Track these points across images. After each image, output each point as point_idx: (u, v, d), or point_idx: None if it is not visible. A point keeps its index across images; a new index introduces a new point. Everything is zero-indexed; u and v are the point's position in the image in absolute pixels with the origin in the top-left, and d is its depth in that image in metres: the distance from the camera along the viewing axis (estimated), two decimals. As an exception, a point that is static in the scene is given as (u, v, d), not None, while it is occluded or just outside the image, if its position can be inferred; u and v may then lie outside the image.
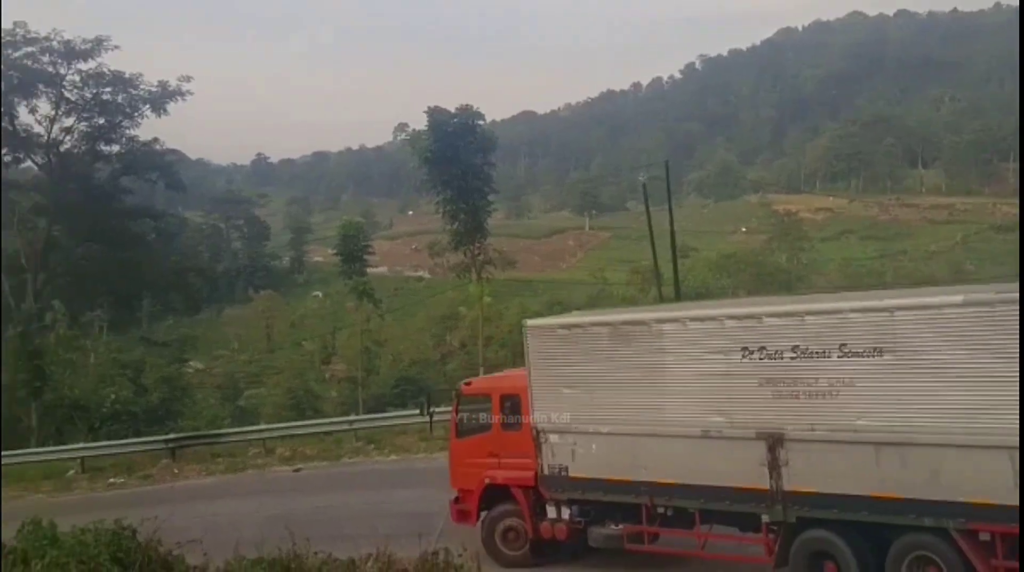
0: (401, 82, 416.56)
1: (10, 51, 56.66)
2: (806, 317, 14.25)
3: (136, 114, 60.58)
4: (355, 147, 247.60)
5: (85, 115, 60.26)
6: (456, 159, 41.58)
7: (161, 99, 60.00)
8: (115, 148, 62.54)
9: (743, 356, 14.50)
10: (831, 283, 77.95)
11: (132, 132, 61.58)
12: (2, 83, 50.40)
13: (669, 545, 15.89)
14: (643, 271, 69.08)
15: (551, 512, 16.76)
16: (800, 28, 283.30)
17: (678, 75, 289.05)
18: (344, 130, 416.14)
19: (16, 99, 58.46)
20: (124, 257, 62.43)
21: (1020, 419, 11.89)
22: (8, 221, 57.94)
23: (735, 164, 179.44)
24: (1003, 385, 12.20)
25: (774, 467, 14.12)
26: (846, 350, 13.58)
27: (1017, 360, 12.06)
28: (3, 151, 57.94)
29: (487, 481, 17.51)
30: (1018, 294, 12.30)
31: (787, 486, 13.96)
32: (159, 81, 59.94)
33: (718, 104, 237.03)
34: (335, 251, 50.74)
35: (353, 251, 46.22)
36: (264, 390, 66.84)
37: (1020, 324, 11.96)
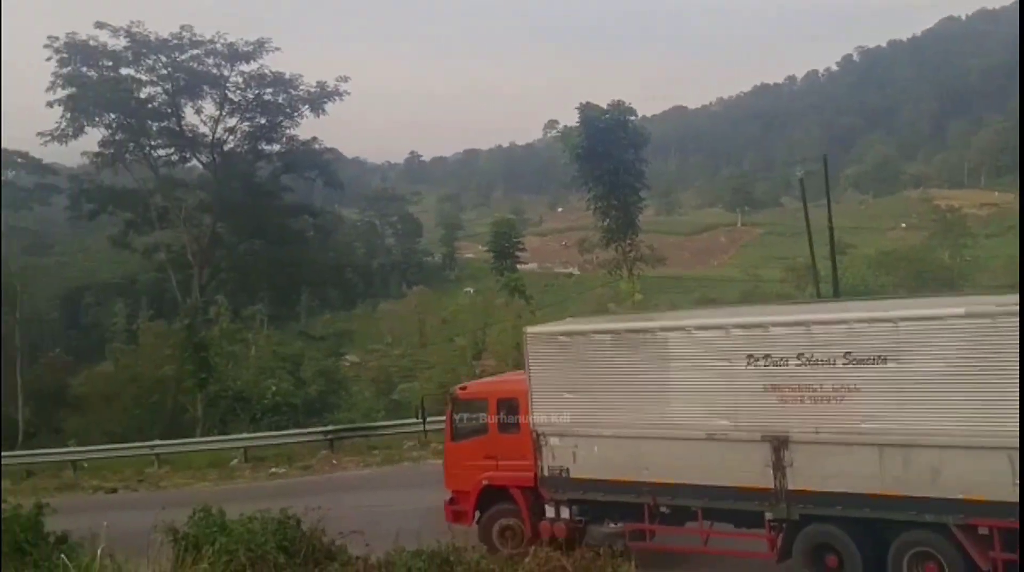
0: (552, 79, 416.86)
1: (177, 54, 59.02)
2: (812, 327, 15.02)
3: (296, 114, 62.39)
4: (505, 145, 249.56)
5: (247, 115, 62.31)
6: (607, 155, 41.26)
7: (320, 99, 61.57)
8: (276, 147, 64.66)
9: (748, 363, 15.20)
10: (996, 281, 74.64)
11: (292, 132, 63.51)
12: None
13: (670, 542, 16.31)
14: (798, 268, 67.43)
15: (550, 512, 17.26)
16: (964, 17, 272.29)
17: (835, 67, 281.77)
18: (495, 128, 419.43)
19: (183, 100, 60.90)
20: (284, 253, 64.38)
21: (1020, 420, 12.47)
22: (175, 218, 60.37)
23: (894, 158, 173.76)
24: (1002, 391, 12.91)
25: (779, 467, 14.85)
26: (851, 358, 14.32)
27: (1016, 368, 12.67)
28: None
29: (485, 482, 17.89)
30: (1018, 306, 12.96)
31: (791, 485, 14.63)
32: (318, 82, 61.58)
33: (877, 97, 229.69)
34: (487, 247, 51.12)
35: (505, 248, 46.52)
36: (417, 384, 67.61)
37: (1020, 327, 12.47)
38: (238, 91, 60.89)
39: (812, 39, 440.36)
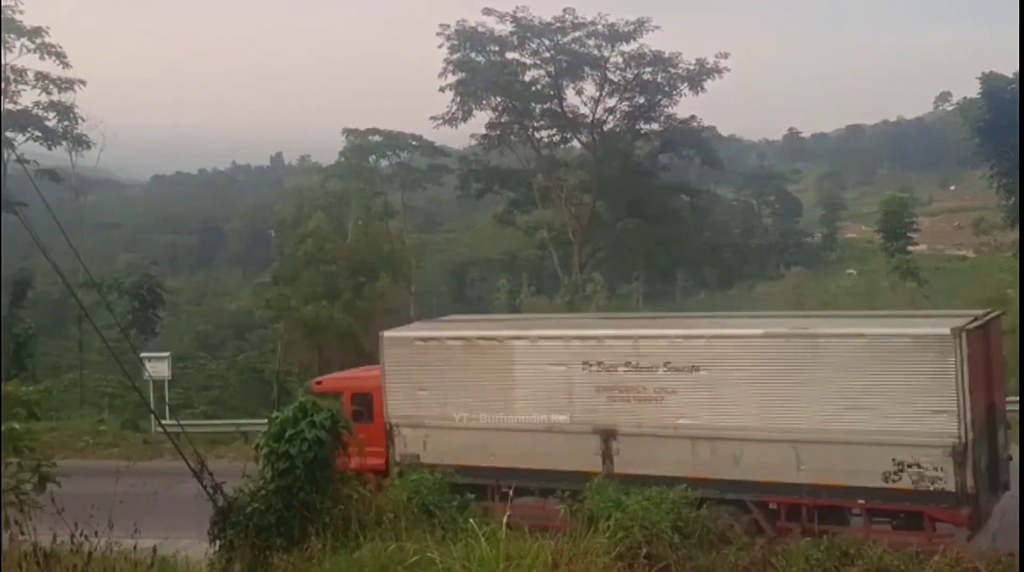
0: (944, 48, 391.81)
1: (559, 37, 60.18)
2: (639, 341, 18.87)
3: (674, 92, 61.85)
4: (892, 119, 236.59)
5: (627, 95, 62.51)
6: (1012, 129, 37.80)
7: (698, 77, 60.69)
8: (654, 126, 64.43)
9: (583, 368, 18.84)
10: None
11: (670, 110, 63.04)
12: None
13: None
14: None
15: None
16: None
17: None
18: (880, 102, 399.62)
19: (564, 82, 62.12)
20: (661, 232, 64.34)
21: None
22: (556, 197, 61.89)
23: None
24: (788, 396, 17.28)
25: (607, 455, 18.41)
26: (670, 366, 18.08)
27: (798, 377, 17.29)
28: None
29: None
30: (809, 329, 18.01)
31: (617, 470, 17.86)
32: (697, 59, 60.63)
33: None
34: (876, 228, 48.42)
35: (895, 228, 43.93)
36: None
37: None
38: (618, 71, 61.15)
39: None
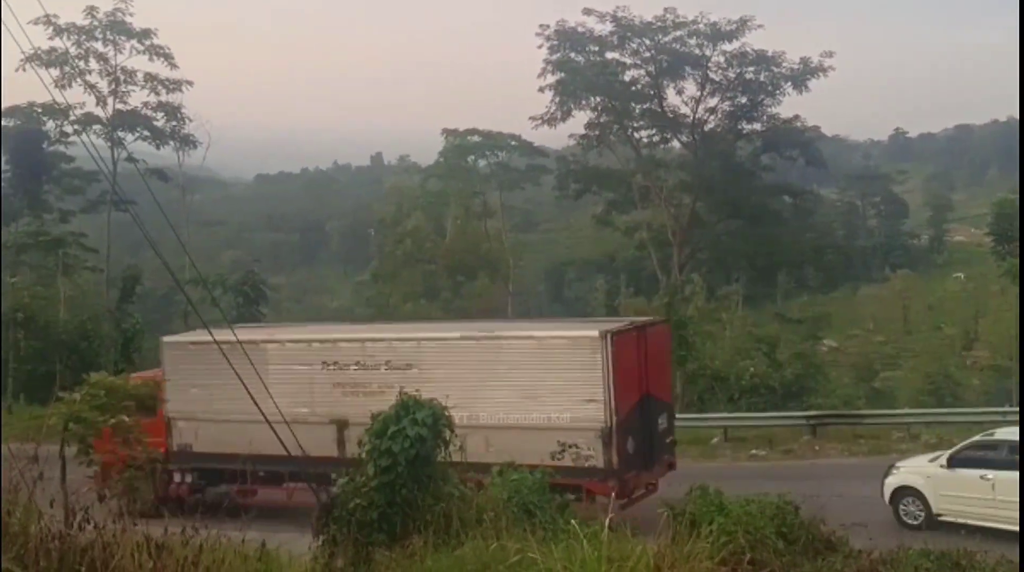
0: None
1: (660, 36, 59.84)
2: (366, 343, 22.24)
3: (777, 92, 61.02)
4: (1003, 119, 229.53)
5: (728, 95, 61.92)
6: None
7: (803, 76, 59.81)
8: (756, 126, 63.68)
9: (323, 368, 22.03)
10: None
11: (773, 110, 62.21)
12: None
13: (268, 497, 22.32)
14: None
15: (177, 477, 23.61)
16: None
17: None
18: (990, 101, 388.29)
19: (665, 82, 61.73)
20: (762, 233, 63.52)
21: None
22: (656, 197, 61.53)
23: None
24: (480, 388, 20.13)
25: (341, 442, 21.04)
26: (390, 365, 21.14)
27: (486, 373, 20.55)
28: None
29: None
30: (495, 332, 21.99)
31: (349, 454, 18.84)
32: (801, 58, 59.76)
33: None
34: (986, 230, 47.06)
35: (1007, 230, 42.47)
36: (900, 373, 64.28)
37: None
38: (720, 71, 60.62)
39: None
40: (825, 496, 14.70)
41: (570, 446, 19.17)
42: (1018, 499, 14.65)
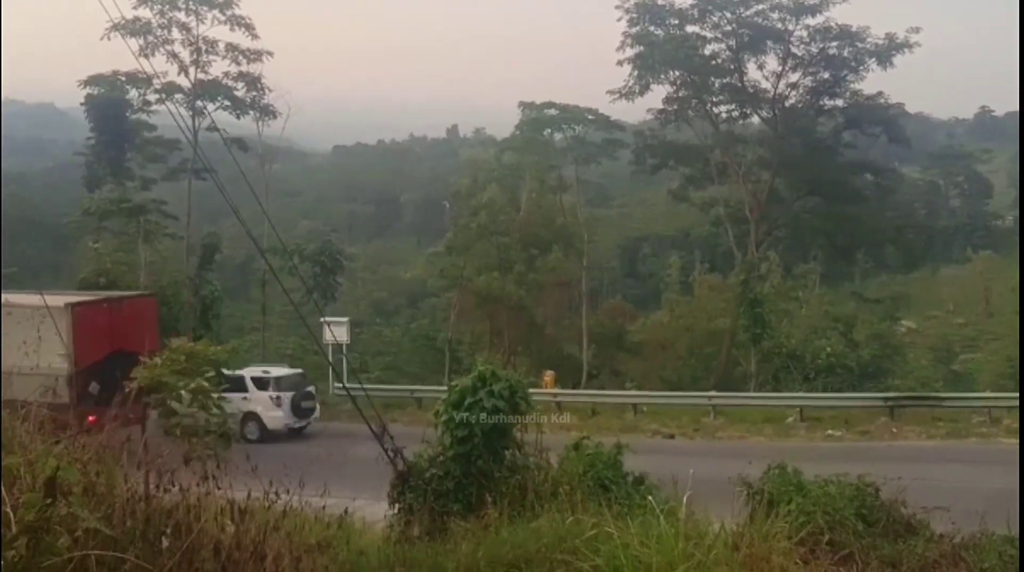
0: None
1: (741, 10, 58.84)
2: None
3: (861, 68, 59.70)
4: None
5: (810, 70, 60.68)
6: None
7: (887, 52, 58.40)
8: (838, 102, 62.38)
9: None
10: None
11: (856, 86, 60.91)
12: None
13: None
14: None
15: None
16: None
17: None
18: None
19: (745, 56, 60.78)
20: (842, 211, 62.40)
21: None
22: (734, 173, 60.81)
23: None
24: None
25: None
26: None
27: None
28: None
29: None
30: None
31: None
32: (886, 33, 58.27)
33: None
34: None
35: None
36: (980, 356, 63.10)
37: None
38: (802, 45, 59.34)
39: None
40: (906, 479, 14.48)
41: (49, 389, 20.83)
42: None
